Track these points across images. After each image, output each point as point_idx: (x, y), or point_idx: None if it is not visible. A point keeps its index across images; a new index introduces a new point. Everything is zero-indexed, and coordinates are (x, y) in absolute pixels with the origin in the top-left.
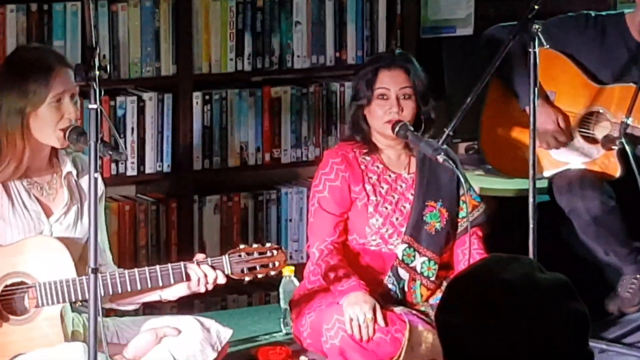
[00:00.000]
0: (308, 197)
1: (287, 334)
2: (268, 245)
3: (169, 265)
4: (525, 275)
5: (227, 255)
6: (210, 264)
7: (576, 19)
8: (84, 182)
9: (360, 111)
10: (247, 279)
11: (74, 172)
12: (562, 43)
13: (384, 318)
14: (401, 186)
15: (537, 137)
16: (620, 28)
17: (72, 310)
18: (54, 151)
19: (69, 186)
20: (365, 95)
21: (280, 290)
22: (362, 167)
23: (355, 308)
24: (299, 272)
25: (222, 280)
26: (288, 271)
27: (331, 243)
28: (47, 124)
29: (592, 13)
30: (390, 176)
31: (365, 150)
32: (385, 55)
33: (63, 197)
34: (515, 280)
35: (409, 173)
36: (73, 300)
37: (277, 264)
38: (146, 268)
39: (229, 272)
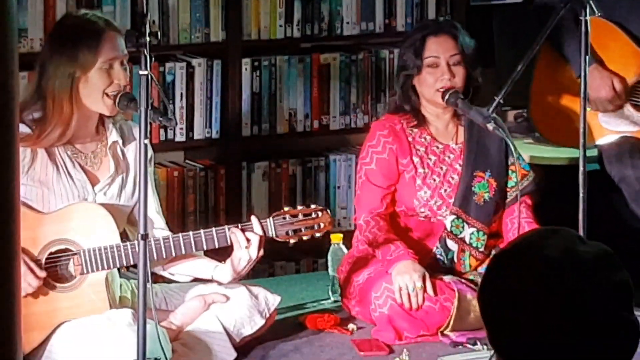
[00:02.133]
0: (356, 164)
1: (335, 301)
2: (313, 207)
3: (213, 229)
4: (566, 249)
5: (271, 218)
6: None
7: None
8: (130, 150)
9: (409, 81)
10: (292, 241)
11: (120, 141)
12: (612, 11)
13: (433, 287)
14: (449, 157)
15: (592, 102)
16: None
17: (120, 276)
18: (101, 120)
19: (114, 155)
20: (414, 64)
21: (329, 257)
22: (410, 139)
23: (404, 277)
24: (347, 240)
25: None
26: (336, 238)
27: (378, 214)
28: (96, 89)
29: None
30: (438, 147)
31: (414, 122)
32: (431, 23)
33: (108, 166)
34: (557, 256)
35: (456, 143)
36: (118, 266)
37: (322, 225)
38: (190, 232)
39: (274, 235)
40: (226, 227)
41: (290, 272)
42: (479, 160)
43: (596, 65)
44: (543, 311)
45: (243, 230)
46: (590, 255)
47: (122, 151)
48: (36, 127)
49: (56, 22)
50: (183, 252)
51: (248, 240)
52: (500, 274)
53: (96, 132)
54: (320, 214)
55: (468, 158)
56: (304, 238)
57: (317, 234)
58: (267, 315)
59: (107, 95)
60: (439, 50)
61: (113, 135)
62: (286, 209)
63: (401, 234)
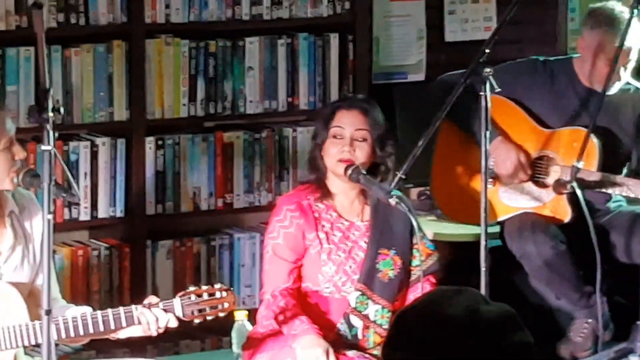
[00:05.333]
0: (261, 242)
1: None
2: (217, 286)
3: (121, 308)
4: (469, 309)
5: (178, 298)
6: (162, 307)
7: (526, 64)
8: (32, 221)
9: (318, 150)
10: (196, 320)
11: (16, 210)
12: (512, 88)
13: None
14: (354, 234)
15: (497, 176)
16: (569, 73)
17: (25, 353)
18: None
19: (12, 225)
20: (321, 133)
21: (233, 334)
22: (316, 214)
23: (308, 351)
24: (252, 317)
25: (173, 323)
26: (241, 315)
27: (285, 289)
28: (3, 171)
29: (541, 58)
30: (343, 224)
31: (319, 195)
32: (349, 97)
33: (9, 236)
34: (459, 315)
35: (362, 221)
36: (26, 344)
37: (226, 305)
38: (98, 312)
39: (181, 315)
40: (133, 306)
41: (195, 350)
42: (384, 238)
43: (501, 138)
44: None
45: (150, 308)
46: (492, 315)
47: (20, 221)
48: None
49: None
50: (90, 331)
51: (157, 319)
52: (403, 331)
53: None
54: (224, 293)
55: (373, 235)
56: (208, 318)
57: (221, 314)
58: None
59: (12, 172)
60: (345, 122)
61: (10, 204)
62: (192, 288)
63: (306, 310)
